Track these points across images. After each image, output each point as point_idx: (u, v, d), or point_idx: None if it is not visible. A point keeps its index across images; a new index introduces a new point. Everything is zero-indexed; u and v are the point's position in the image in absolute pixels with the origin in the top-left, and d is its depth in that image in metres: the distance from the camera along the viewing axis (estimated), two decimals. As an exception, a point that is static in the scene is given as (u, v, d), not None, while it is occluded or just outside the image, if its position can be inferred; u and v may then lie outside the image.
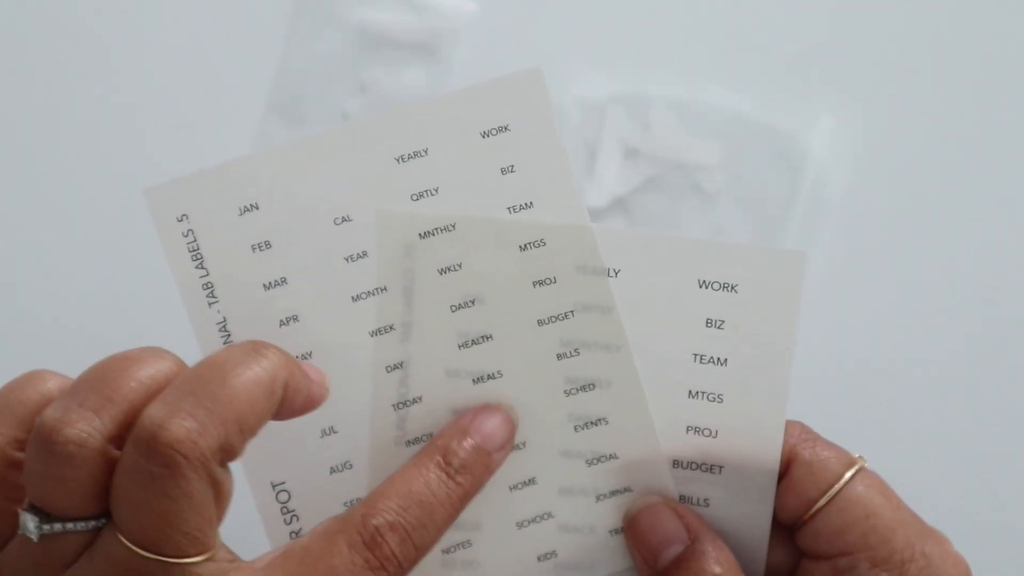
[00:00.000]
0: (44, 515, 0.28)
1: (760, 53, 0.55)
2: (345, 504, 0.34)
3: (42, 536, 0.28)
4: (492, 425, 0.34)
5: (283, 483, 0.34)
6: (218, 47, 0.55)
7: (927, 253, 0.54)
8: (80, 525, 0.28)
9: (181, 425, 0.27)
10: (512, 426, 0.34)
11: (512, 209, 0.34)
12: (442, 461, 0.33)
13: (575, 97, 0.55)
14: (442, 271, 0.34)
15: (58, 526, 0.28)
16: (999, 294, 0.54)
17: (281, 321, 0.34)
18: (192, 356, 0.34)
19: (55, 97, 0.55)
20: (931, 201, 0.54)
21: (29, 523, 0.28)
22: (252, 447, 0.33)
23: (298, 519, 0.34)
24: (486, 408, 0.34)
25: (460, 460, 0.33)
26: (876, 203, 0.54)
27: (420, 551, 0.31)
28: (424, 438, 0.35)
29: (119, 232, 0.53)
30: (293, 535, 0.34)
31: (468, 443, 0.33)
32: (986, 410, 0.53)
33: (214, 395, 0.28)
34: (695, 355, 0.34)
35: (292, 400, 0.31)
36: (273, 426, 0.34)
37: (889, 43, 0.55)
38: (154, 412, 0.28)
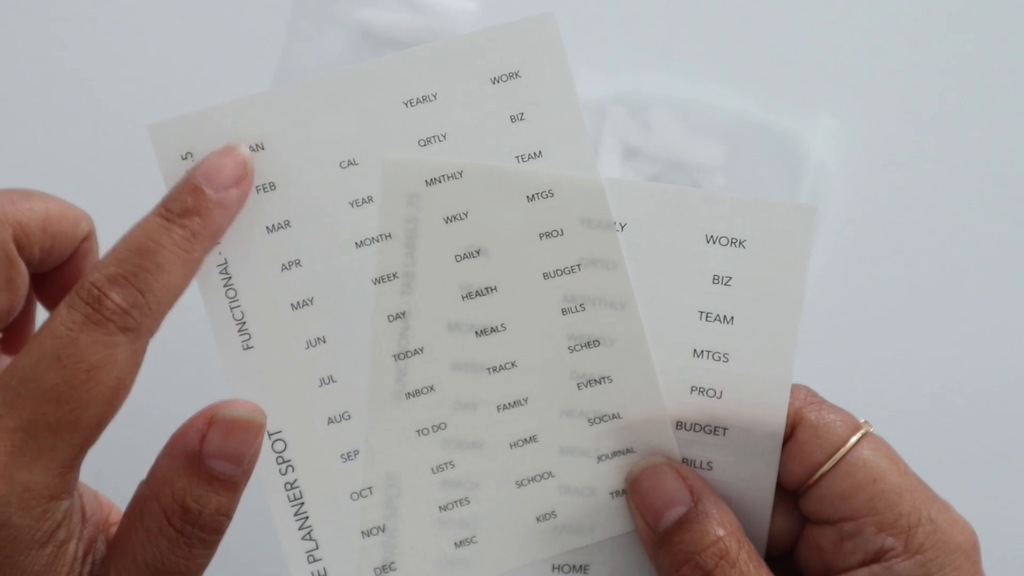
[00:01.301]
0: None
1: (760, 53, 0.55)
2: (342, 456, 0.34)
3: None
4: (214, 163, 0.32)
5: (279, 432, 0.33)
6: (219, 47, 0.55)
7: (927, 252, 0.54)
8: None
9: None
10: (243, 161, 0.33)
11: (521, 158, 0.34)
12: (162, 209, 0.31)
13: (575, 97, 0.55)
14: (447, 220, 0.34)
15: None
16: (999, 292, 0.54)
17: (283, 265, 0.33)
18: (192, 298, 0.34)
19: (56, 106, 0.54)
20: (931, 201, 0.55)
21: None
22: (249, 394, 0.33)
23: (293, 469, 0.33)
24: (218, 151, 0.33)
25: (180, 205, 0.31)
26: (876, 203, 0.55)
27: (150, 296, 0.30)
28: (424, 391, 0.34)
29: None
30: (288, 486, 0.33)
31: (189, 187, 0.32)
32: (987, 409, 0.53)
33: None
34: (701, 312, 0.34)
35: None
36: (270, 374, 0.33)
37: (889, 43, 0.55)
38: None
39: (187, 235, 0.31)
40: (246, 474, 0.31)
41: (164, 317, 0.31)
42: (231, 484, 0.31)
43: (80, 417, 0.29)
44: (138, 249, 0.30)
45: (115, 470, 0.47)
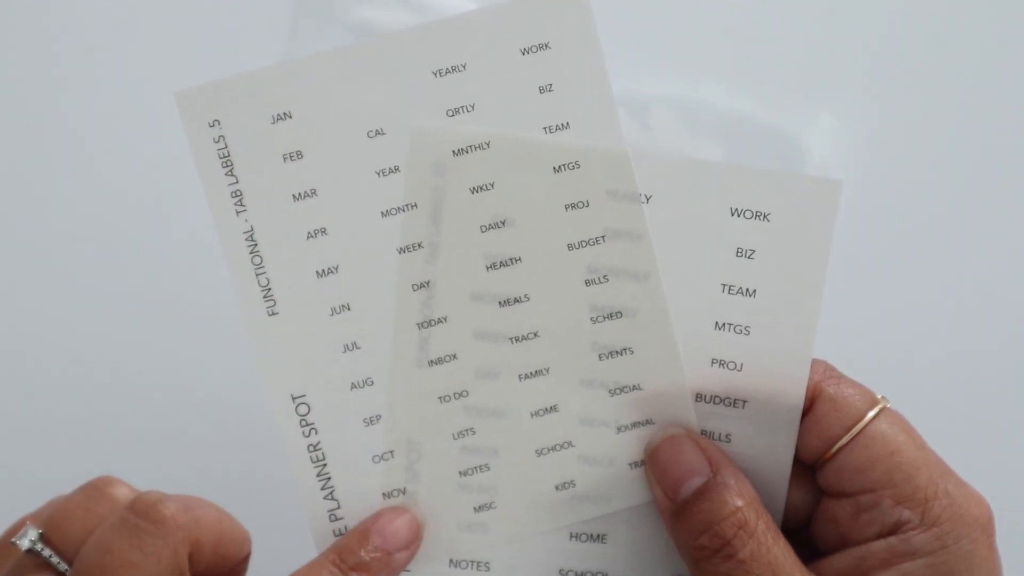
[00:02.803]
0: (43, 537, 0.31)
1: (760, 53, 0.55)
2: (364, 420, 0.34)
3: (29, 551, 0.31)
4: (393, 525, 0.34)
5: (303, 396, 0.34)
6: (219, 48, 0.55)
7: (928, 252, 0.54)
8: (62, 565, 0.31)
9: (177, 506, 0.31)
10: (417, 526, 0.34)
11: (548, 129, 0.34)
12: (337, 559, 0.33)
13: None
14: (473, 190, 0.34)
15: (47, 551, 0.31)
16: (1001, 292, 0.54)
17: (309, 233, 0.34)
18: (217, 264, 0.34)
19: (53, 100, 0.54)
20: (931, 200, 0.55)
21: (31, 533, 0.31)
22: (273, 360, 0.33)
23: (316, 432, 0.34)
24: (390, 509, 0.34)
25: (355, 558, 0.33)
26: (876, 203, 0.55)
27: None
28: (447, 359, 0.34)
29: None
30: (311, 448, 0.34)
31: (364, 542, 0.33)
32: (988, 408, 0.53)
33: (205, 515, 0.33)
34: (723, 285, 0.34)
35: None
36: (294, 340, 0.34)
37: (889, 43, 0.55)
38: (157, 493, 0.31)
39: None
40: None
41: None
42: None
43: None
44: None
45: (123, 460, 0.47)
